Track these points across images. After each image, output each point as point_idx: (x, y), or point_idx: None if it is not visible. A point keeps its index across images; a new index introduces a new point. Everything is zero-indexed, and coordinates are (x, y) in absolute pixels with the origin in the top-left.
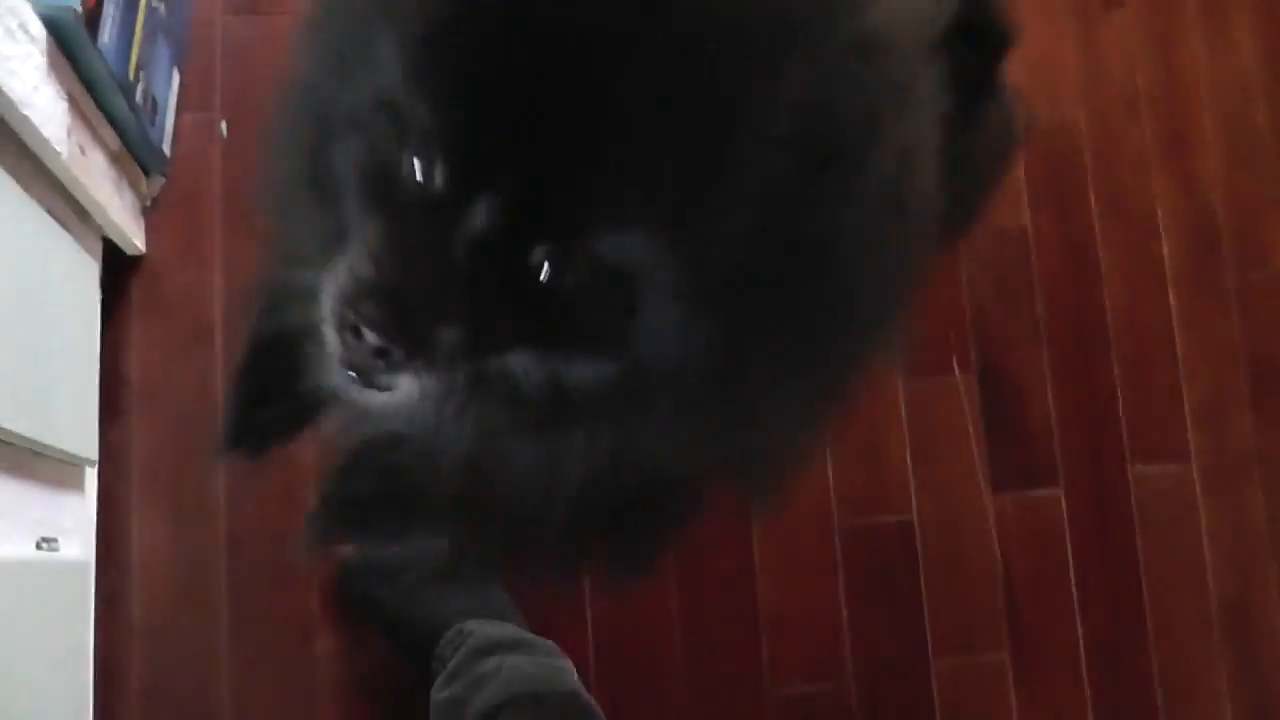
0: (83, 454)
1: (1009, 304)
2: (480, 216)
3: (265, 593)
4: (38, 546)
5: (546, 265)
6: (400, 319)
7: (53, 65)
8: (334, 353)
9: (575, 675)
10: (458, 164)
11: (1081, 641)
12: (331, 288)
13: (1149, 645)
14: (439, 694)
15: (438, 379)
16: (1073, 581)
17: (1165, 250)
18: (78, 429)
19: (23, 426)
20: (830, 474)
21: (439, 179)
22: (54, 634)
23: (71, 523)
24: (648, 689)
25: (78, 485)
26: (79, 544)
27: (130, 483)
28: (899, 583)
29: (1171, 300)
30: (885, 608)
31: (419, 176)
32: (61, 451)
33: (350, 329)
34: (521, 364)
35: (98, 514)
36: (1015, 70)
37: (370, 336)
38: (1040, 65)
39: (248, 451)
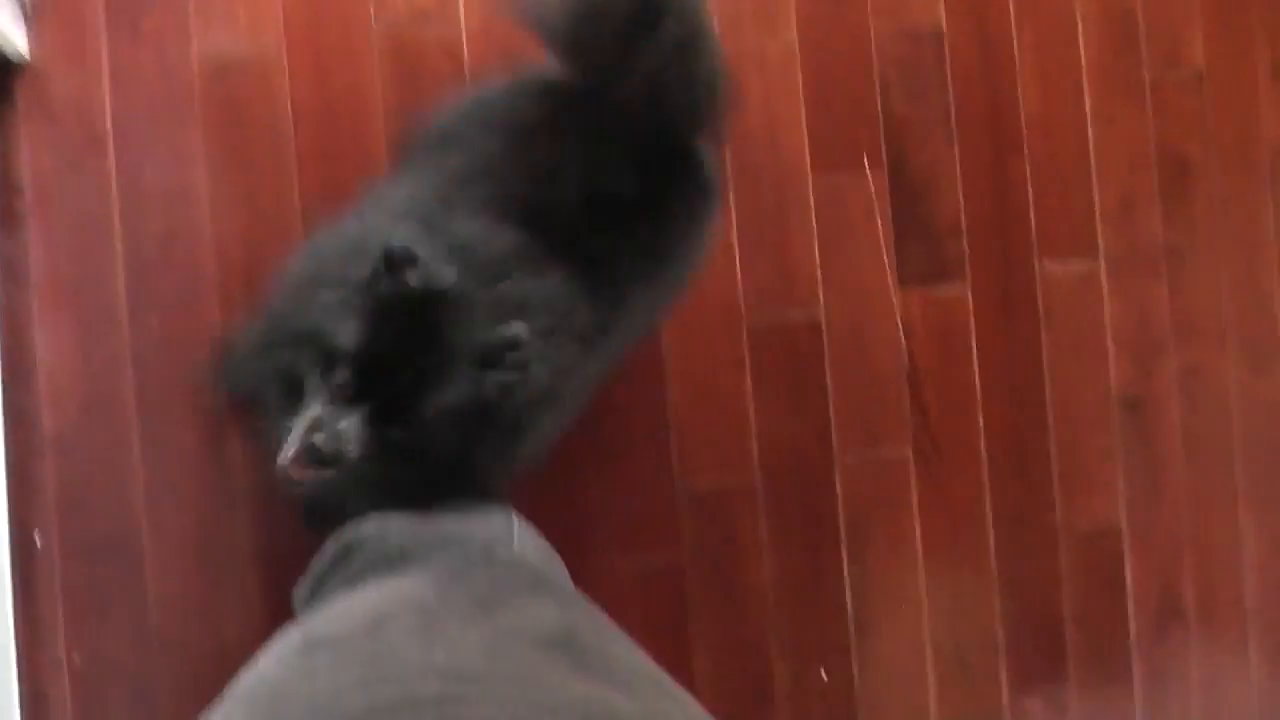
0: None
1: (921, 102)
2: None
3: (175, 401)
4: None
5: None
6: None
7: None
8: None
9: None
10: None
11: (983, 436)
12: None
13: (1048, 438)
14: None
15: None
16: (976, 377)
17: (1081, 47)
18: None
19: None
20: (738, 270)
21: (341, 379)
22: None
23: None
24: (556, 489)
25: None
26: None
27: (29, 293)
28: (806, 378)
29: (1086, 98)
30: (792, 403)
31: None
32: None
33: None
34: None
35: (2, 327)
36: None
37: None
38: None
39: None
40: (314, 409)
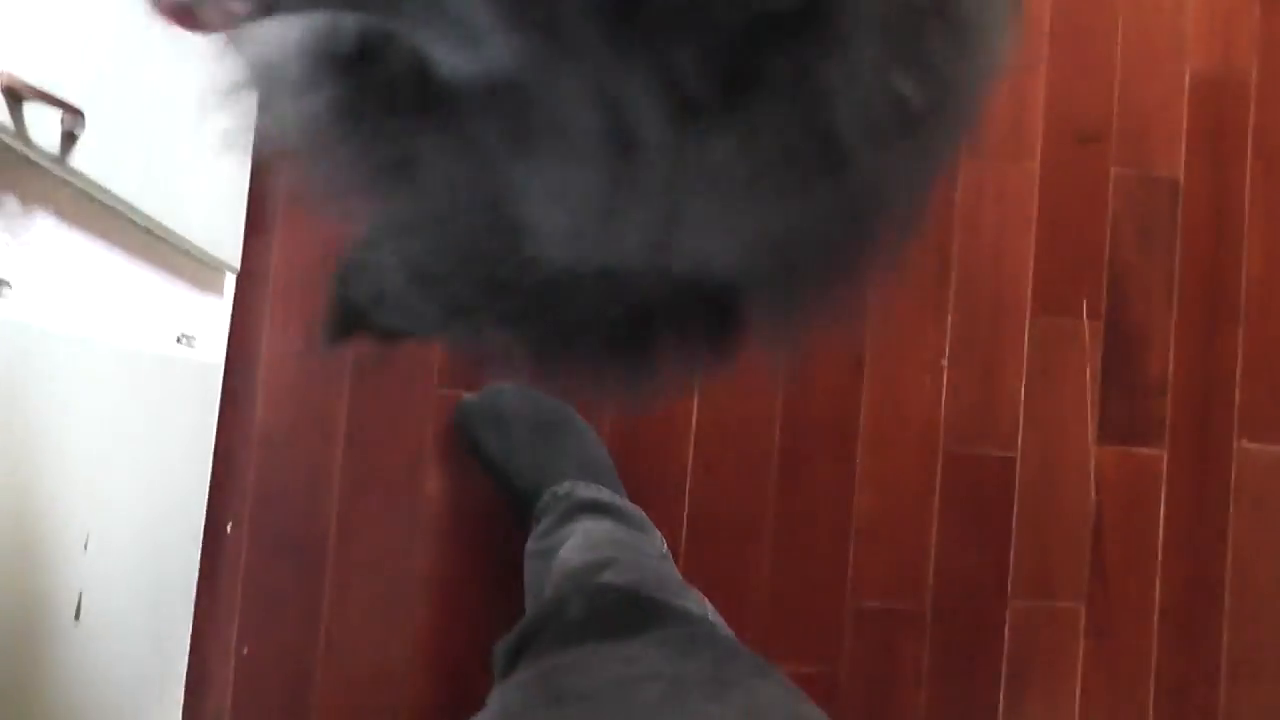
0: (226, 259)
1: (1148, 254)
2: None
3: (384, 421)
4: (177, 341)
5: None
6: None
7: None
8: None
9: (662, 546)
10: None
11: (1158, 605)
12: None
13: (1223, 620)
14: (531, 546)
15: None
16: (1160, 544)
17: None
18: (224, 234)
19: (175, 221)
20: (943, 397)
21: None
22: (181, 425)
23: (208, 325)
24: (731, 578)
25: (218, 289)
26: (213, 346)
27: (265, 296)
28: (992, 516)
29: None
30: (974, 538)
31: None
32: (206, 254)
33: None
34: None
35: (232, 320)
36: (1193, 13)
37: None
38: (1219, 11)
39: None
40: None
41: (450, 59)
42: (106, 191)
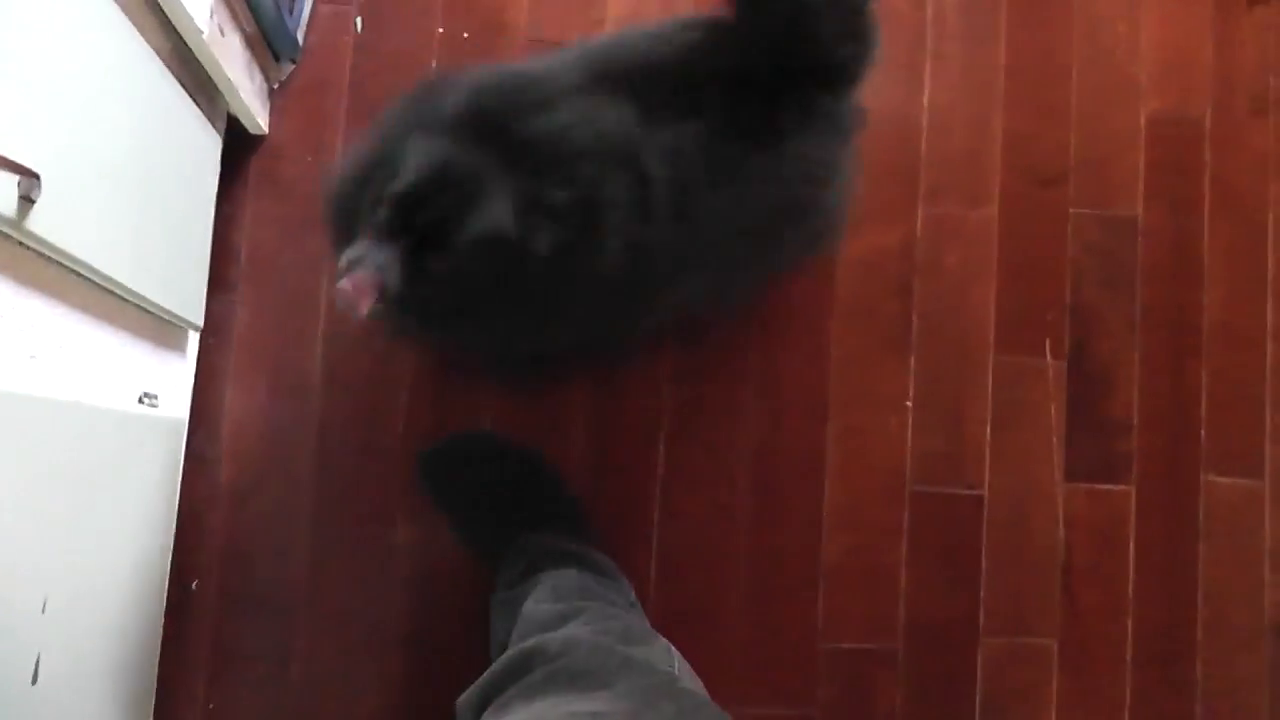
0: (188, 317)
1: (1109, 293)
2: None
3: (351, 475)
4: (140, 400)
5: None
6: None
7: None
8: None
9: (630, 594)
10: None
11: (1130, 640)
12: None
13: (1196, 654)
14: (497, 596)
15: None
16: (1131, 579)
17: (1270, 259)
18: (186, 293)
19: (135, 283)
20: (909, 437)
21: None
22: (144, 484)
23: (171, 383)
24: (702, 623)
25: (181, 348)
26: (176, 404)
27: (229, 353)
28: (961, 555)
29: (1269, 311)
30: (944, 577)
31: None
32: (168, 312)
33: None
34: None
35: (196, 378)
36: (1148, 58)
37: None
38: (1173, 55)
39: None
40: (355, 246)
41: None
42: (64, 254)
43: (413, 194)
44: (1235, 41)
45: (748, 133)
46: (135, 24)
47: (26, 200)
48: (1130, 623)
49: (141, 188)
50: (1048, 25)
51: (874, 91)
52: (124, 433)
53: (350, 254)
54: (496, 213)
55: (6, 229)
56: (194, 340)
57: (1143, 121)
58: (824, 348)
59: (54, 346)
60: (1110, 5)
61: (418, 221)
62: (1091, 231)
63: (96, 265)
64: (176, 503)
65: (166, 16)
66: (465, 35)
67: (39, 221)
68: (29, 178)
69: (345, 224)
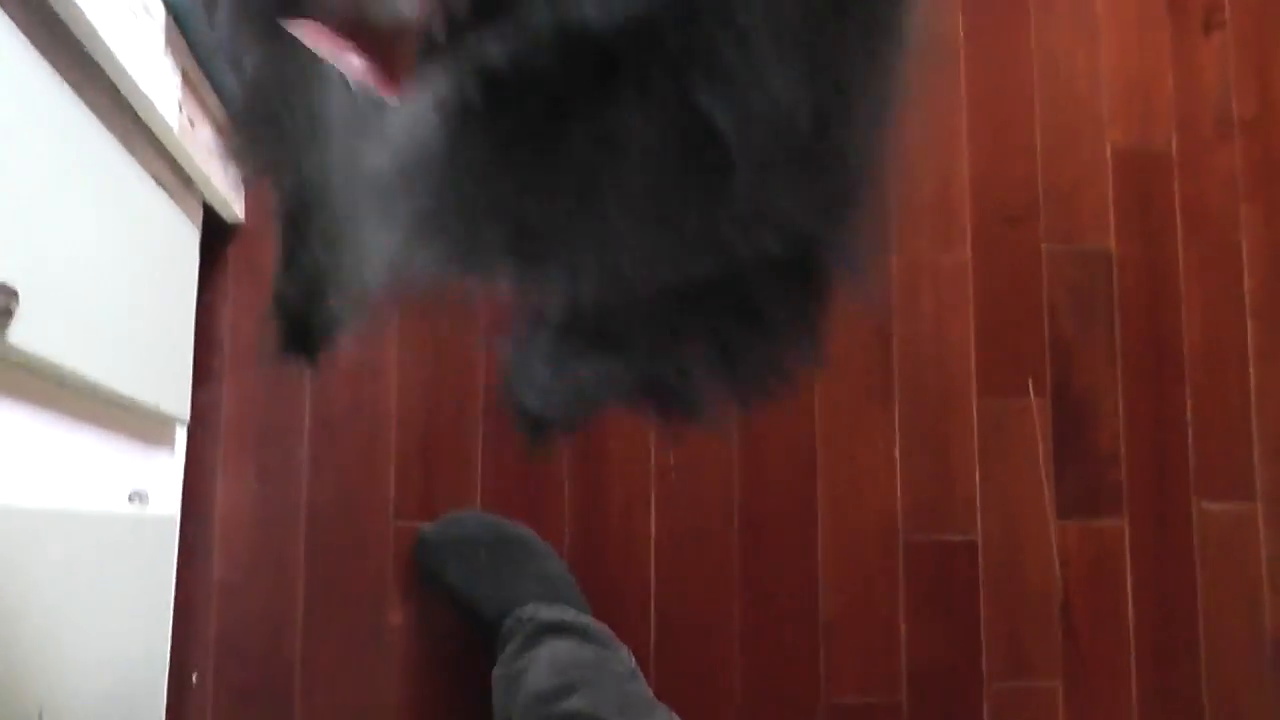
0: (174, 412)
1: (1087, 327)
2: None
3: (342, 560)
4: (129, 500)
5: None
6: None
7: (169, 42)
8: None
9: (630, 662)
10: None
11: (1134, 674)
12: None
13: (1201, 683)
14: (498, 671)
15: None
16: (1130, 611)
17: (1247, 281)
18: (171, 388)
19: (120, 384)
20: (899, 486)
21: None
22: (137, 583)
23: (161, 479)
24: (704, 687)
25: (168, 442)
26: (167, 500)
27: (217, 443)
28: (959, 601)
29: (1250, 333)
30: (943, 625)
31: None
32: (155, 409)
33: None
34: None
35: (185, 472)
36: (1108, 90)
37: None
38: (1133, 86)
39: (304, 354)
40: None
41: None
42: (44, 363)
43: None
44: (1194, 67)
45: None
46: (105, 123)
47: (5, 313)
48: (1133, 657)
49: (120, 288)
50: (1006, 62)
51: None
52: (115, 534)
53: None
54: None
55: None
56: (181, 433)
57: (1108, 152)
58: (806, 400)
59: (38, 455)
60: (1067, 38)
61: None
62: (1065, 266)
63: (78, 371)
64: (172, 597)
65: (136, 113)
66: None
67: (17, 334)
68: (6, 293)
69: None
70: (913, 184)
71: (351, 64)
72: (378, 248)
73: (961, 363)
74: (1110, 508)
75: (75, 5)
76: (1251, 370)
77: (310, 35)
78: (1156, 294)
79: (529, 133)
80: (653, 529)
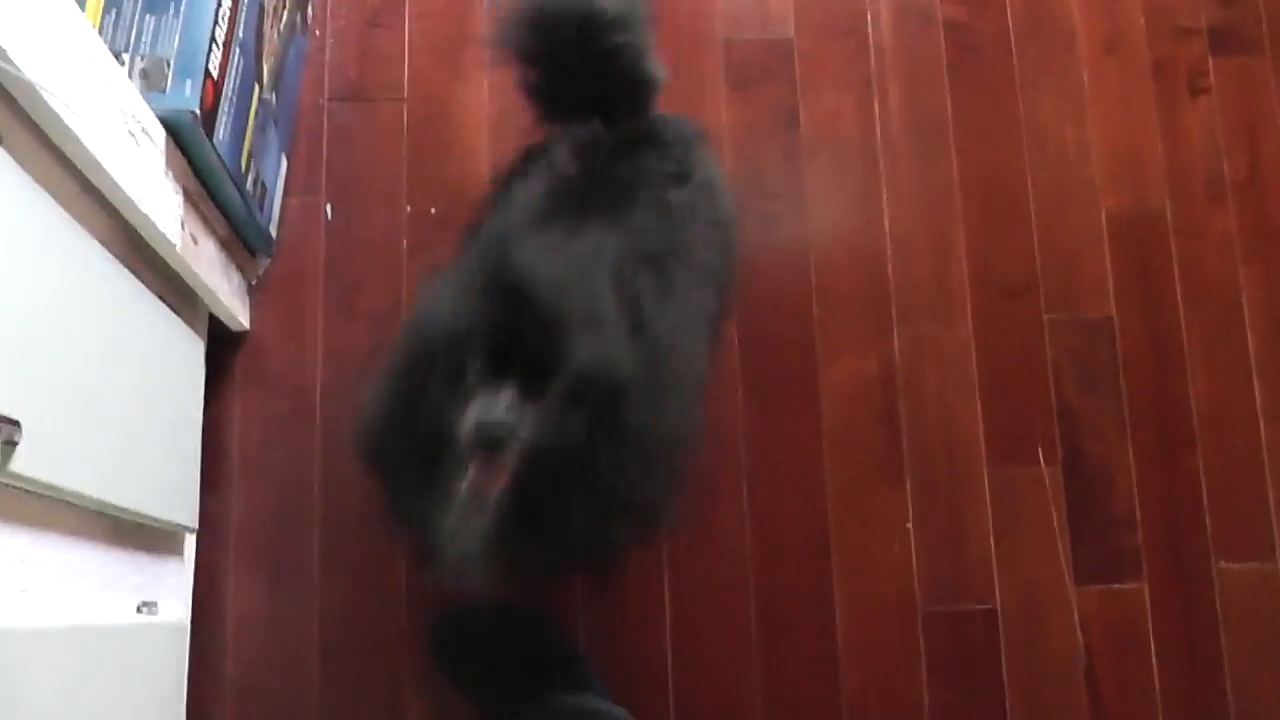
0: (182, 521)
1: (1093, 394)
2: None
3: (356, 657)
4: (138, 610)
5: None
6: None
7: (170, 163)
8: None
9: None
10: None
11: None
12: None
13: None
14: None
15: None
16: (1155, 677)
17: (1250, 341)
18: (179, 499)
19: (128, 500)
20: (914, 559)
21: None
22: (150, 691)
23: (170, 587)
24: None
25: (177, 551)
26: (176, 607)
27: (227, 550)
28: (981, 671)
29: (1257, 393)
30: (967, 696)
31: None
32: (164, 521)
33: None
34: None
35: (195, 578)
36: (1099, 158)
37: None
38: (1124, 153)
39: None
40: (473, 405)
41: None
42: (49, 487)
43: (499, 337)
44: (1183, 132)
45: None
46: (106, 246)
47: (8, 444)
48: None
49: (124, 407)
50: (995, 138)
51: (835, 222)
52: (125, 644)
53: (472, 413)
54: (595, 338)
55: None
56: (190, 540)
57: (1103, 220)
58: (817, 481)
59: (45, 576)
60: (1054, 111)
61: (514, 361)
62: (1068, 336)
63: (83, 492)
64: (184, 705)
65: (138, 233)
66: (433, 211)
67: (20, 463)
68: (9, 424)
69: (389, 459)
70: (911, 263)
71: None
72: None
73: (970, 435)
74: (1129, 572)
75: (74, 135)
76: (1262, 429)
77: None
78: (1161, 358)
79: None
80: (668, 610)
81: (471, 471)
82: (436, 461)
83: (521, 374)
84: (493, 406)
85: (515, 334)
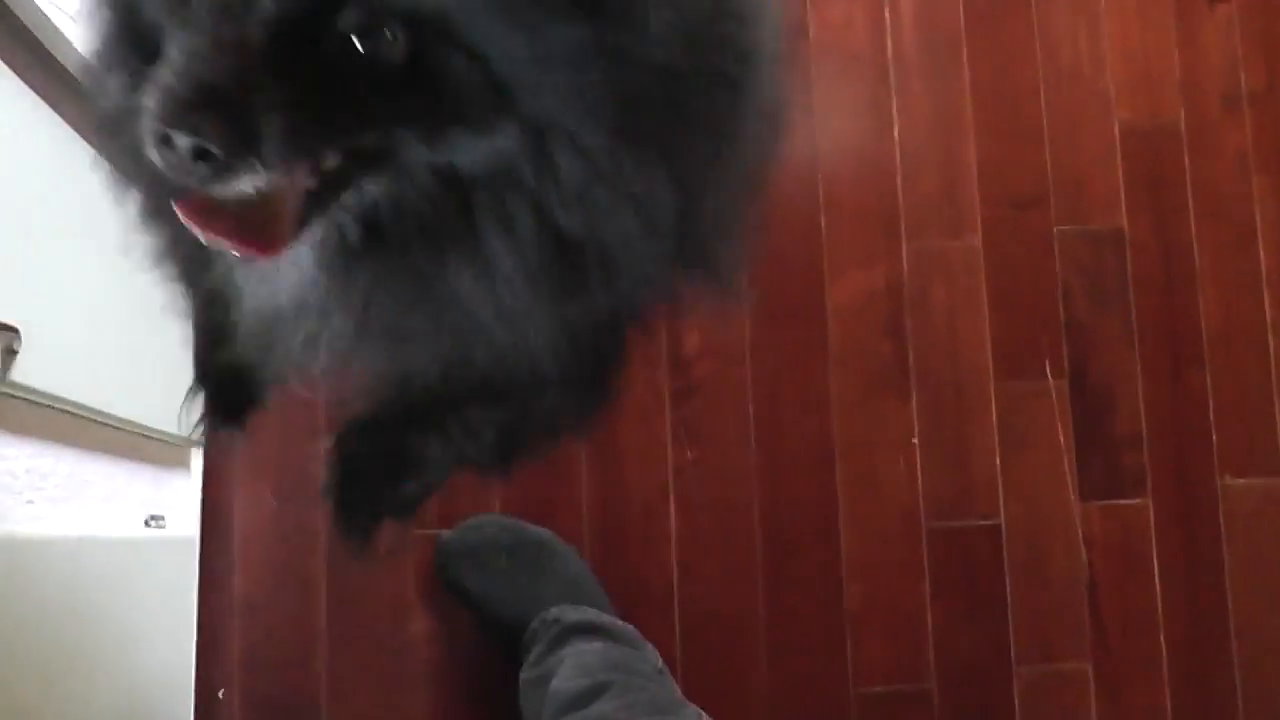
0: (189, 436)
1: (1102, 307)
2: None
3: (363, 573)
4: (145, 524)
5: (356, 34)
6: (207, 113)
7: None
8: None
9: (656, 660)
10: None
11: (1164, 652)
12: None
13: (1232, 659)
14: (524, 675)
15: (283, 175)
16: (1158, 592)
17: (1262, 256)
18: (184, 413)
19: (132, 412)
20: (919, 474)
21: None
22: (159, 604)
23: (177, 500)
24: (730, 682)
25: (184, 465)
26: (184, 521)
27: (234, 465)
28: (984, 586)
29: (1267, 308)
30: (970, 611)
31: None
32: (169, 435)
33: (162, 141)
34: (402, 156)
35: (203, 493)
36: (1113, 70)
37: (181, 140)
38: (1140, 63)
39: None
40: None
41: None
42: (53, 397)
43: None
44: (1200, 42)
45: None
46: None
47: (8, 353)
48: (1163, 637)
49: (127, 317)
50: (1009, 49)
51: (843, 135)
52: (133, 557)
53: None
54: None
55: None
56: (198, 455)
57: (1117, 133)
58: (823, 396)
59: (50, 487)
60: (1068, 22)
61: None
62: (1078, 249)
63: (86, 403)
64: (195, 617)
65: None
66: None
67: (22, 372)
68: (8, 331)
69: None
70: (920, 176)
71: (222, 244)
72: (283, 353)
73: (977, 349)
74: (1133, 488)
75: (64, 38)
76: (1270, 344)
77: (184, 219)
78: (1171, 272)
79: (406, 264)
80: (673, 525)
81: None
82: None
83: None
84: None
85: None
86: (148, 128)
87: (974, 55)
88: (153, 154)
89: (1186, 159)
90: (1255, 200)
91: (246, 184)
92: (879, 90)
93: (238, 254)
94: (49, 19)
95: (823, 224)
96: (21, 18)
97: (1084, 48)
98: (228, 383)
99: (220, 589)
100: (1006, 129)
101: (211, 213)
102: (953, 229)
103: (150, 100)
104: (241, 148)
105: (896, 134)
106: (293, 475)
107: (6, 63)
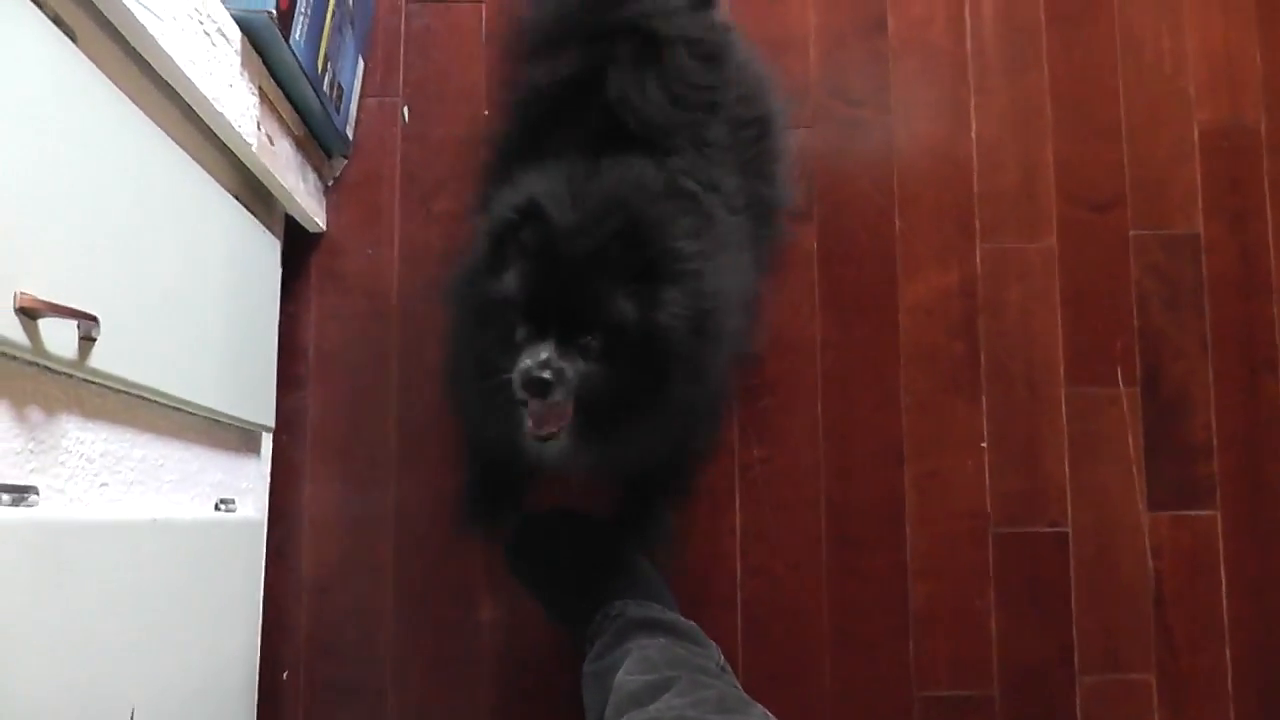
0: (260, 421)
1: (1177, 314)
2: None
3: (431, 559)
4: (216, 508)
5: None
6: (545, 388)
7: (246, 64)
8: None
9: (719, 658)
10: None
11: (1230, 668)
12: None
13: None
14: (587, 668)
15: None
16: (1225, 606)
17: None
18: (256, 398)
19: (206, 399)
20: (987, 477)
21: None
22: (228, 585)
23: (247, 484)
24: (794, 683)
25: (255, 449)
26: (254, 505)
27: (304, 448)
28: (1050, 593)
29: None
30: (1035, 617)
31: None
32: (240, 420)
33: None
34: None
35: (272, 476)
36: (1195, 69)
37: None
38: (1221, 64)
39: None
40: (518, 364)
41: None
42: (128, 383)
43: (536, 296)
44: None
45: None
46: (183, 147)
47: (87, 340)
48: (1229, 651)
49: (201, 305)
50: (1089, 47)
51: (920, 132)
52: (204, 540)
53: (516, 374)
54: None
55: (68, 369)
56: (268, 440)
57: (1196, 134)
58: (893, 395)
59: (124, 471)
60: (1150, 20)
61: (552, 318)
62: (1153, 253)
63: (161, 388)
64: (261, 599)
65: (214, 134)
66: None
67: (100, 358)
68: (88, 320)
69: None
70: (997, 175)
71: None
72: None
73: (1049, 352)
74: (1204, 498)
75: (149, 34)
76: None
77: (530, 423)
78: (1247, 280)
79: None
80: (738, 523)
81: (530, 414)
82: (503, 407)
83: (560, 328)
84: (536, 359)
85: (552, 293)
86: (515, 386)
87: (1054, 52)
88: (519, 392)
89: (1266, 162)
90: None
91: (557, 398)
92: (958, 86)
93: (541, 431)
94: (136, 18)
95: (897, 221)
96: (112, 19)
97: (1166, 46)
98: (491, 494)
99: (288, 571)
100: (1085, 128)
101: (538, 415)
102: (1029, 229)
103: (516, 377)
104: (559, 394)
105: (974, 132)
106: (364, 460)
107: (86, 52)
